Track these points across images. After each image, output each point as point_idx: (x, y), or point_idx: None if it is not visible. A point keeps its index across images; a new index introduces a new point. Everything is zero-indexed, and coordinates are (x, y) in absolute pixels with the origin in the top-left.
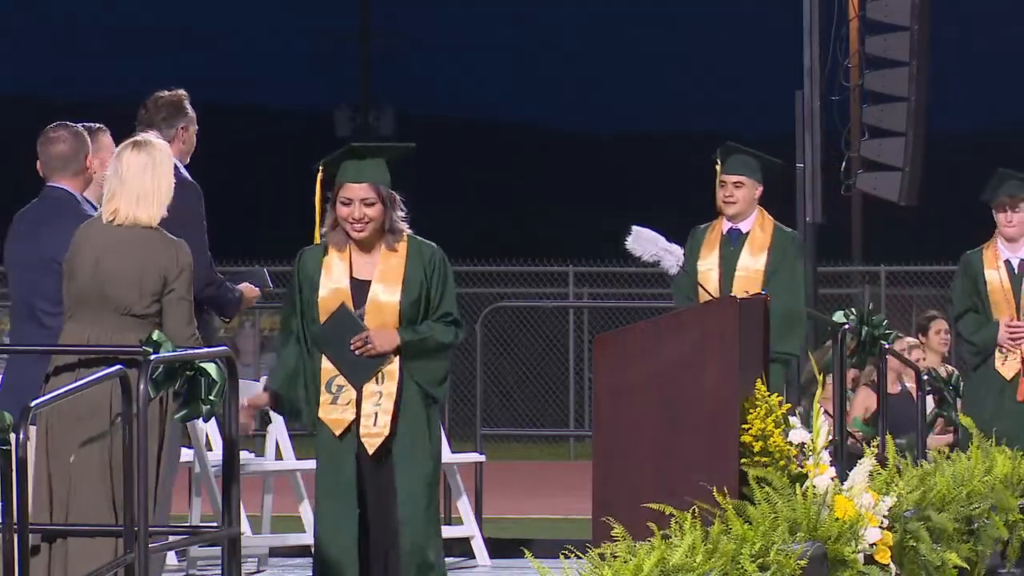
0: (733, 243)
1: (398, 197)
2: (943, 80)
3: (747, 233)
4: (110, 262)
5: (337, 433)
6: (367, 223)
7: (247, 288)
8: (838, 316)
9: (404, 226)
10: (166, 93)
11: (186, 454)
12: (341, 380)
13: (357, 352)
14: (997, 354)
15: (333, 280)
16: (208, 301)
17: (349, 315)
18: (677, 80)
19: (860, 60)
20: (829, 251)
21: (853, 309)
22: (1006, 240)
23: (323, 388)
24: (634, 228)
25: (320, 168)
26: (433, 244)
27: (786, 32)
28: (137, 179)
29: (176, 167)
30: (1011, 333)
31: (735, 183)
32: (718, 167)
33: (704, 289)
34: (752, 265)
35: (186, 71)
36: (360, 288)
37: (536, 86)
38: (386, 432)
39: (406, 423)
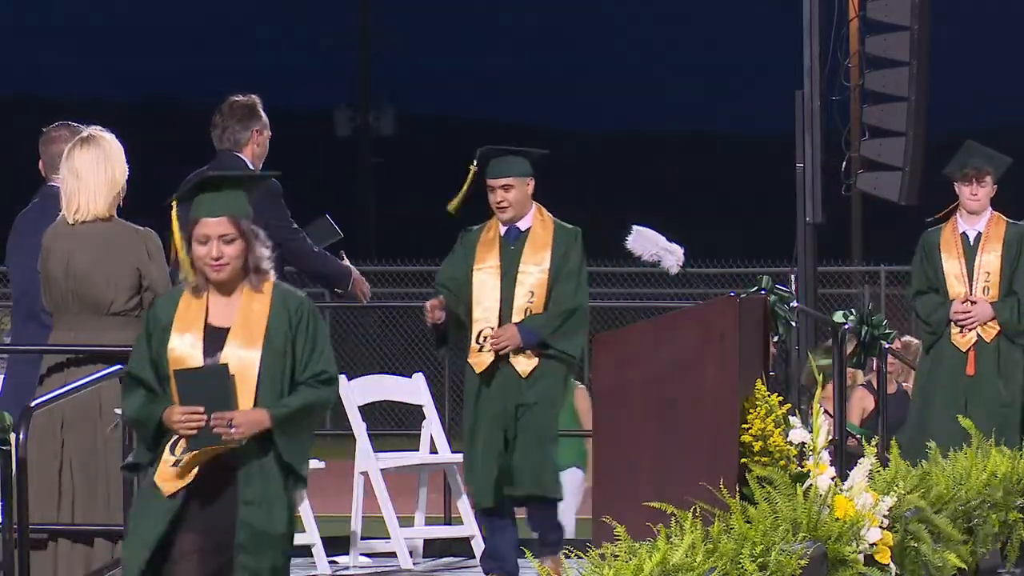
0: (512, 242)
1: (261, 232)
2: (943, 80)
3: (527, 231)
4: (80, 263)
5: (166, 494)
6: (226, 264)
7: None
8: (838, 316)
9: (269, 266)
10: (240, 98)
11: None
12: (185, 443)
13: (213, 428)
14: (953, 327)
15: (185, 326)
16: (315, 276)
17: (225, 383)
18: (677, 80)
19: (860, 60)
20: (829, 251)
21: (853, 309)
22: (969, 213)
23: (167, 448)
24: (634, 228)
25: (172, 203)
26: (301, 293)
27: (786, 32)
28: (92, 174)
29: (249, 168)
30: (959, 318)
31: (503, 186)
32: (474, 169)
33: (476, 297)
34: (536, 264)
35: (186, 71)
36: (215, 336)
37: (536, 86)
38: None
39: (254, 489)
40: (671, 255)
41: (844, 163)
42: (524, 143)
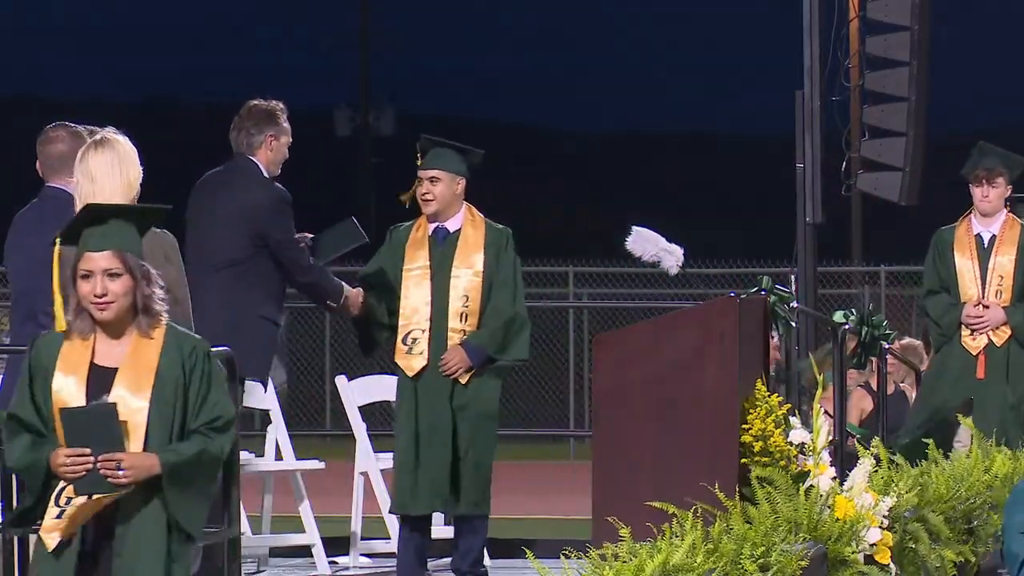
0: (442, 244)
1: (154, 272)
2: (943, 80)
3: (456, 232)
4: None
5: (49, 549)
6: (111, 302)
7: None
8: (838, 316)
9: (162, 308)
10: (260, 102)
11: None
12: (71, 491)
13: (100, 470)
14: (964, 330)
15: (69, 367)
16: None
17: (112, 422)
18: (677, 80)
19: (860, 60)
20: (829, 251)
21: (853, 309)
22: (981, 215)
23: (52, 500)
24: (634, 228)
25: (57, 241)
26: (197, 336)
27: (786, 32)
28: (107, 177)
29: (262, 173)
30: (971, 322)
31: (430, 179)
32: (420, 161)
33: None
34: (468, 267)
35: (186, 71)
36: (101, 377)
37: (536, 86)
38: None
39: (136, 550)
40: (671, 255)
41: (844, 163)
42: (524, 143)
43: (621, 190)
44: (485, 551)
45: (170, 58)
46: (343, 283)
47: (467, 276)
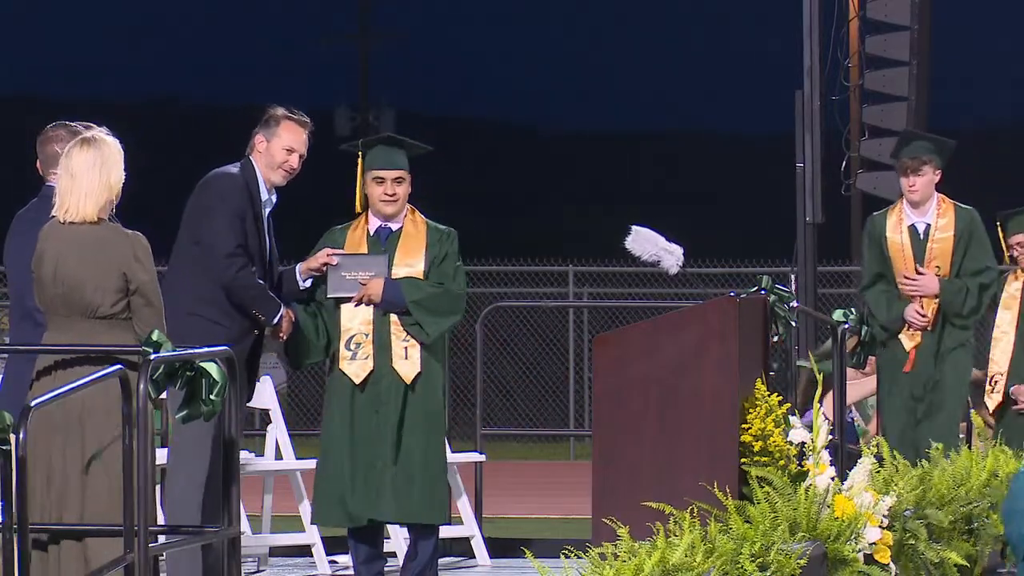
0: (384, 243)
1: None
2: (943, 80)
3: (398, 231)
4: (67, 267)
5: None
6: None
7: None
8: (838, 315)
9: None
10: (271, 108)
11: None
12: None
13: None
14: (905, 327)
15: None
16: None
17: None
18: (677, 80)
19: (860, 60)
20: (829, 251)
21: (853, 309)
22: (911, 205)
23: None
24: (634, 228)
25: None
26: None
27: (786, 32)
28: (87, 176)
29: (247, 171)
30: (907, 288)
31: (396, 179)
32: (361, 159)
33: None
34: (409, 267)
35: (186, 71)
36: None
37: (536, 86)
38: None
39: None
40: (670, 255)
41: (844, 163)
42: (524, 143)
43: (621, 190)
44: (436, 562)
45: (170, 58)
46: (280, 302)
47: (409, 275)
